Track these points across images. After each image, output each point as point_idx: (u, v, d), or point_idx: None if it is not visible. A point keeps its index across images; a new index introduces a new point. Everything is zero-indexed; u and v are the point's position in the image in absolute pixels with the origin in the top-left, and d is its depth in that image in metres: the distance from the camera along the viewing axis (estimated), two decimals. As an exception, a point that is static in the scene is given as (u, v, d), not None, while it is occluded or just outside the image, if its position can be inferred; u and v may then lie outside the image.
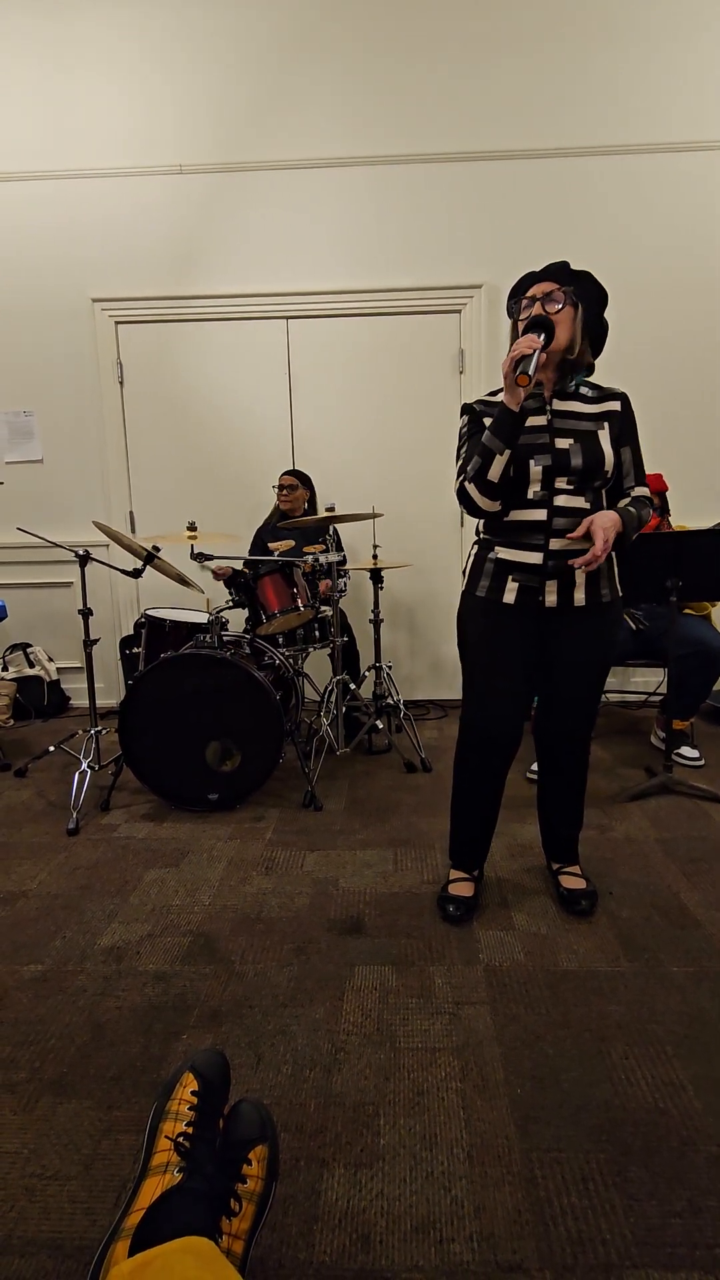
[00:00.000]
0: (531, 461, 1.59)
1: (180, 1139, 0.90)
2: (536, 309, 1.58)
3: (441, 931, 1.76)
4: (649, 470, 2.99)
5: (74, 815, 2.41)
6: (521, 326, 1.61)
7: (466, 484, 1.64)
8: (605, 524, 1.53)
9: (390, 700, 3.20)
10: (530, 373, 1.45)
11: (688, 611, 3.01)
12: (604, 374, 1.71)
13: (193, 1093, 0.97)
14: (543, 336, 1.51)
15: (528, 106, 3.44)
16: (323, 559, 2.73)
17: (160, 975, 1.61)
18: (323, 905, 1.90)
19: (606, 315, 1.67)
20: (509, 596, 1.67)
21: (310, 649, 2.97)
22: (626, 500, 1.66)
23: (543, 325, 1.53)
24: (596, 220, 3.52)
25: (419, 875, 2.05)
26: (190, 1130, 0.92)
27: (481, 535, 1.75)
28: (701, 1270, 0.96)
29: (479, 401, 1.72)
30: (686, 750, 2.89)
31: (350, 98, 3.45)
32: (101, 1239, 0.90)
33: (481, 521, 1.74)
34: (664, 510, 3.06)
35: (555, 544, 1.61)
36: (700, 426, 3.65)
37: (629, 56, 3.39)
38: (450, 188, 3.52)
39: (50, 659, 3.93)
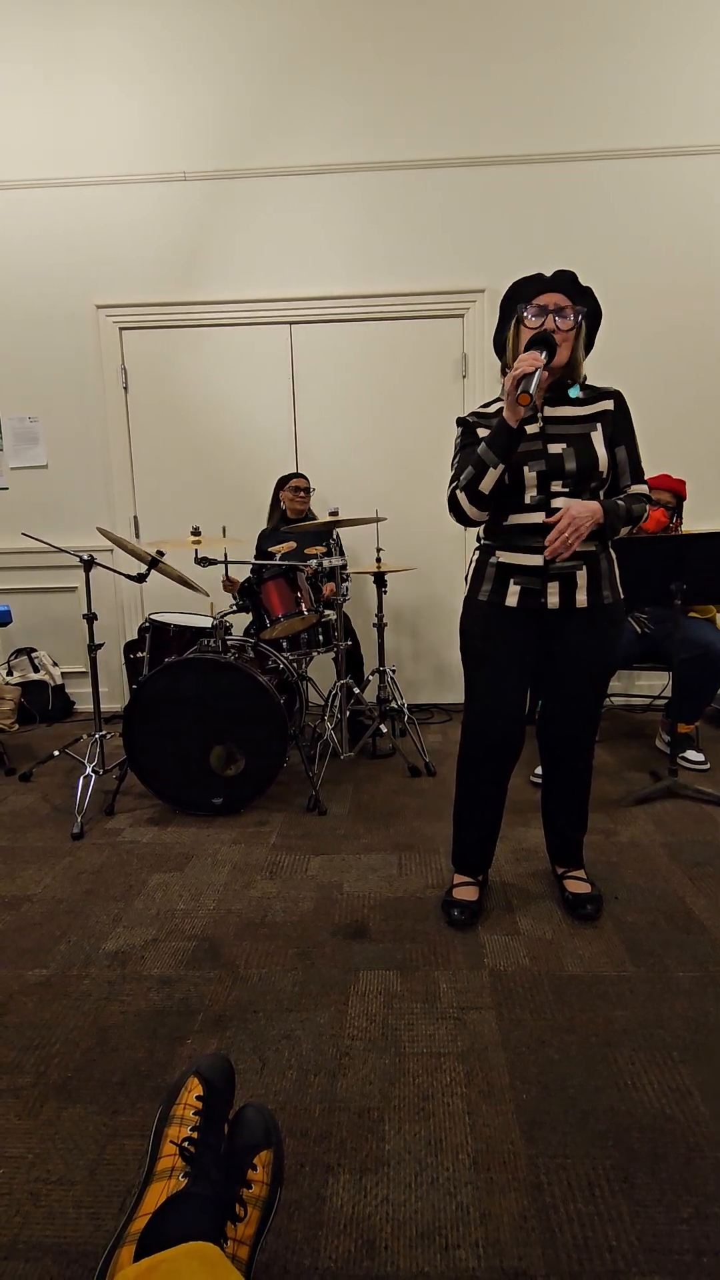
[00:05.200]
0: (526, 468, 1.60)
1: (185, 1144, 0.90)
2: (549, 322, 1.57)
3: (446, 936, 1.76)
4: (672, 475, 3.01)
5: (78, 820, 2.42)
6: (525, 336, 1.62)
7: (458, 492, 1.65)
8: (580, 512, 1.54)
9: (394, 704, 3.19)
10: (531, 391, 1.45)
11: (692, 615, 3.00)
12: (606, 378, 1.71)
13: (197, 1098, 0.97)
14: (544, 354, 1.50)
15: (528, 111, 3.45)
16: (325, 563, 2.74)
17: (165, 980, 1.61)
18: (327, 910, 1.90)
19: (606, 319, 1.68)
20: (511, 600, 1.67)
21: (314, 653, 2.98)
22: (620, 496, 1.66)
23: (545, 342, 1.53)
24: (597, 224, 3.53)
25: (423, 879, 2.04)
26: (195, 1135, 0.92)
27: (482, 540, 1.76)
28: (709, 1277, 0.95)
29: (473, 414, 1.73)
30: (692, 754, 2.89)
31: (352, 104, 3.47)
32: (106, 1244, 0.90)
33: (482, 526, 1.74)
34: (679, 514, 3.04)
35: None
36: (705, 430, 3.65)
37: (627, 61, 3.40)
38: (452, 193, 3.53)
39: (55, 663, 3.94)
